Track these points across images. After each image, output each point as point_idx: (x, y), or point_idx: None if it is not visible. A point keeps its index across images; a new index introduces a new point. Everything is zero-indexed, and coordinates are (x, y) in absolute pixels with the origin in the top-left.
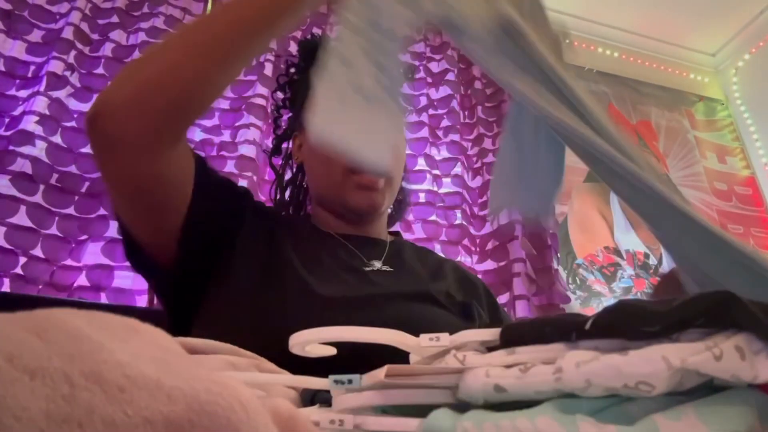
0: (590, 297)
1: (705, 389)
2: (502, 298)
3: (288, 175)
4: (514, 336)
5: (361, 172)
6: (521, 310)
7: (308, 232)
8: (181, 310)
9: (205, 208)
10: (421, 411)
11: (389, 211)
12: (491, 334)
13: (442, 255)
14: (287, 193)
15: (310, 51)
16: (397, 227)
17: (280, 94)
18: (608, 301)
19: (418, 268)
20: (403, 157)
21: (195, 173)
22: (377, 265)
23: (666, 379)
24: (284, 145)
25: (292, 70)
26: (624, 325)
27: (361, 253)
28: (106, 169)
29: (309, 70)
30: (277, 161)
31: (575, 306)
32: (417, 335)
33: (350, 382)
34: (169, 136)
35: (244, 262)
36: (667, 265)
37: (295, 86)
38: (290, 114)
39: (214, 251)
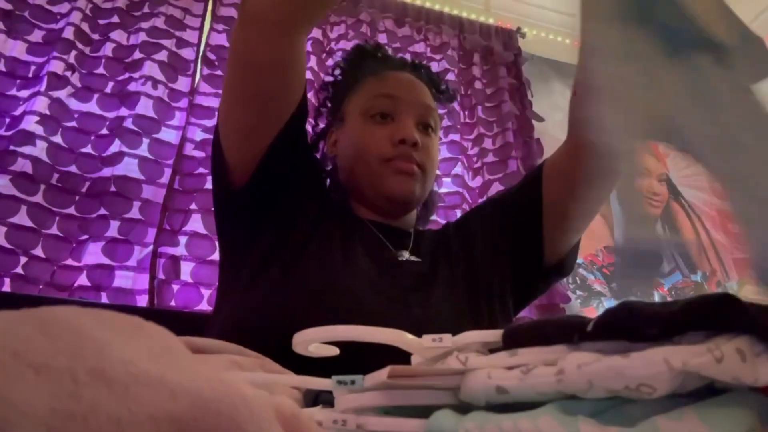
0: (590, 297)
1: (706, 391)
2: None
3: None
4: (517, 337)
5: (395, 159)
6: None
7: (349, 218)
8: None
9: (293, 137)
10: (423, 412)
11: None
12: (493, 335)
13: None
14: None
15: (359, 55)
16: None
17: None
18: (608, 300)
19: (435, 256)
20: (437, 157)
21: (302, 97)
22: (405, 255)
23: (667, 381)
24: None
25: (337, 71)
26: (626, 326)
27: (390, 243)
28: (240, 44)
29: (353, 72)
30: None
31: (575, 306)
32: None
33: (353, 382)
34: (298, 19)
35: (295, 225)
36: (667, 265)
37: (337, 86)
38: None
39: (279, 189)
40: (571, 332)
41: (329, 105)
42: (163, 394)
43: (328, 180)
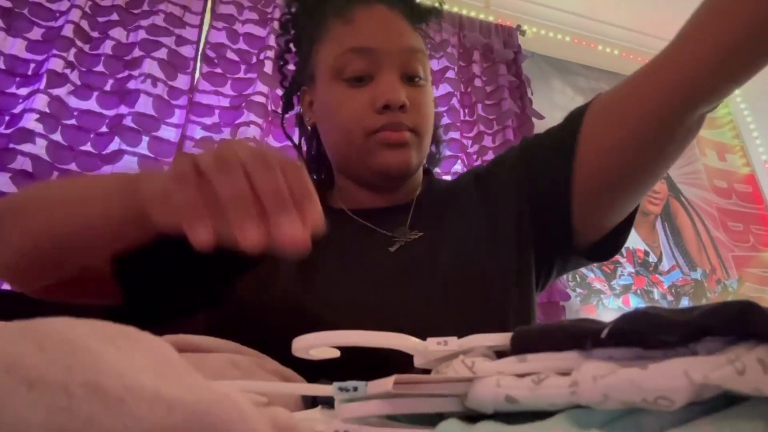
0: (590, 294)
1: (721, 398)
2: None
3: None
4: (526, 342)
5: (383, 130)
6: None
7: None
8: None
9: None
10: (428, 418)
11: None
12: (501, 339)
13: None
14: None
15: None
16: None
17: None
18: (608, 298)
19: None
20: (431, 112)
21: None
22: (403, 236)
23: (687, 394)
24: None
25: (294, 8)
26: (642, 334)
27: (385, 229)
28: None
29: (314, 11)
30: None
31: (575, 303)
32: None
33: (355, 389)
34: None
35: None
36: (667, 263)
37: (300, 26)
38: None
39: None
40: (584, 338)
41: (294, 53)
42: (158, 408)
43: (308, 153)
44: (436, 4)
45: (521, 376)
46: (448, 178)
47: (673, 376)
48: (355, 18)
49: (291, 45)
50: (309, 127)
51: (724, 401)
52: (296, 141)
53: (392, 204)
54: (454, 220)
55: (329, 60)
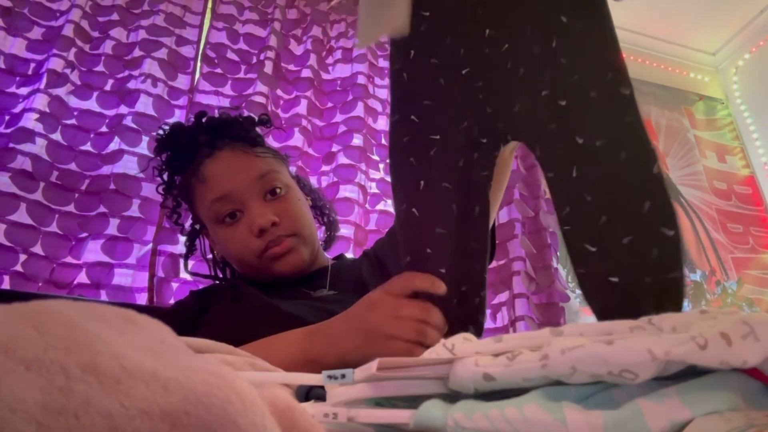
0: None
1: (691, 372)
2: (502, 297)
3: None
4: None
5: (268, 248)
6: (521, 309)
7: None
8: None
9: None
10: (414, 401)
11: (320, 244)
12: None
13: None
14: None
15: (169, 158)
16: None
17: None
18: None
19: (352, 285)
20: (301, 210)
21: None
22: (324, 292)
23: (650, 369)
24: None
25: (165, 175)
26: None
27: (307, 288)
28: None
29: (179, 179)
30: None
31: (574, 305)
32: None
33: (343, 376)
34: None
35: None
36: None
37: (175, 194)
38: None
39: None
40: None
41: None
42: (155, 389)
43: (226, 270)
44: (264, 117)
45: (497, 355)
46: None
47: (637, 352)
48: (206, 173)
49: (178, 203)
50: (219, 259)
51: (694, 374)
52: (210, 272)
53: (310, 271)
54: (358, 281)
55: (204, 212)
